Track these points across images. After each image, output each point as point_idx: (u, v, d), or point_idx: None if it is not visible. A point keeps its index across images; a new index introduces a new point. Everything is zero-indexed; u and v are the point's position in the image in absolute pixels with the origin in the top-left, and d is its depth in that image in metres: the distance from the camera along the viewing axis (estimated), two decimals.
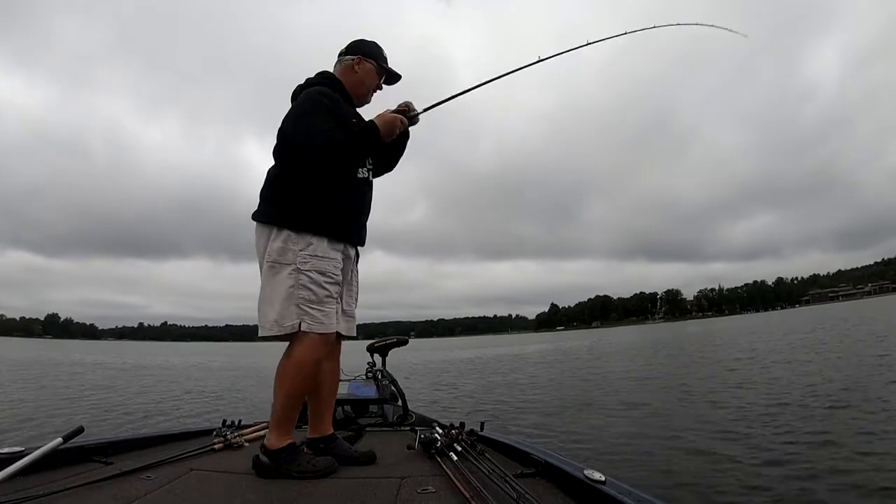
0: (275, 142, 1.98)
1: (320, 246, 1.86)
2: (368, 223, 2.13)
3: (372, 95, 2.14)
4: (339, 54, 2.11)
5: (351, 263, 2.03)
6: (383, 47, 2.14)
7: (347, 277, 2.02)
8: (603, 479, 1.37)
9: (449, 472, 1.68)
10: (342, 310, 2.00)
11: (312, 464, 1.78)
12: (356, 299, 2.12)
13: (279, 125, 1.97)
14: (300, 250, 1.83)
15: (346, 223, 1.95)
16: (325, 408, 2.04)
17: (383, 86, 2.16)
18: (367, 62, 2.07)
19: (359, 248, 2.09)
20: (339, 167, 1.90)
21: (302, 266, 1.82)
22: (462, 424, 2.20)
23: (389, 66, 2.14)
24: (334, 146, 1.83)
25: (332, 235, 1.89)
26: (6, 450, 1.68)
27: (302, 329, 1.80)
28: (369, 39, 2.14)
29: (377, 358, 3.60)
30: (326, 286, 1.85)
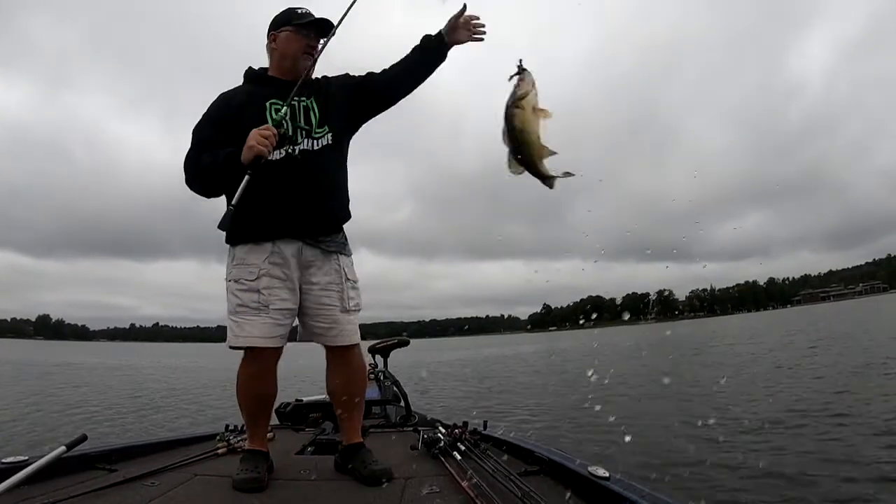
0: None
1: (238, 253, 1.78)
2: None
3: (307, 59, 1.85)
4: None
5: (297, 261, 1.79)
6: (303, 4, 1.87)
7: (300, 276, 1.80)
8: (607, 475, 1.40)
9: (453, 472, 1.70)
10: (317, 318, 1.83)
11: (238, 474, 1.71)
12: (338, 303, 1.83)
13: None
14: (228, 263, 1.82)
15: (259, 220, 1.75)
16: (343, 419, 1.93)
17: (317, 41, 1.86)
18: (280, 33, 1.86)
19: (319, 240, 1.80)
20: (197, 189, 1.79)
21: (227, 277, 1.80)
22: (465, 424, 2.23)
23: (312, 17, 1.85)
24: (186, 167, 1.78)
25: (245, 240, 1.77)
26: (10, 459, 1.68)
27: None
28: (284, 8, 1.90)
29: (379, 359, 3.63)
30: (237, 293, 1.75)
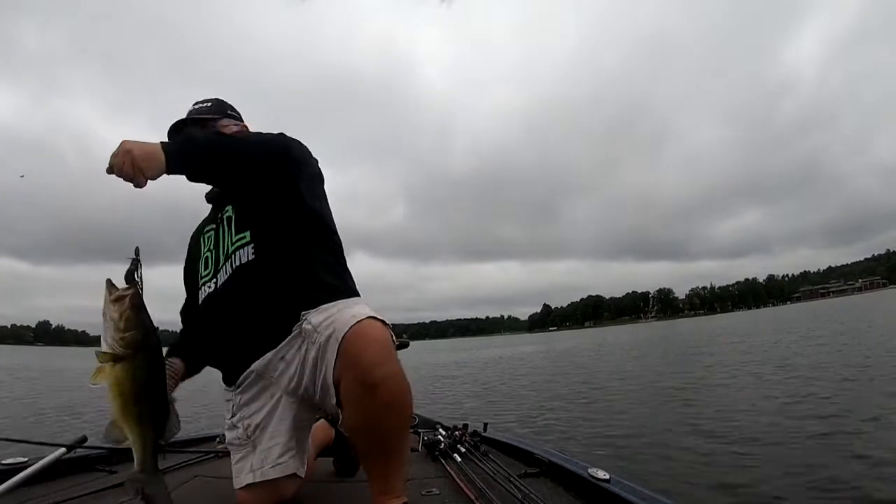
0: None
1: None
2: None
3: None
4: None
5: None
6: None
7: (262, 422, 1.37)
8: (607, 477, 1.40)
9: (453, 474, 1.69)
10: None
11: None
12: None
13: None
14: None
15: (215, 360, 1.51)
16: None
17: None
18: None
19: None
20: None
21: None
22: (465, 426, 2.22)
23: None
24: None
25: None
26: (9, 460, 1.69)
27: None
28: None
29: None
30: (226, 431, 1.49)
